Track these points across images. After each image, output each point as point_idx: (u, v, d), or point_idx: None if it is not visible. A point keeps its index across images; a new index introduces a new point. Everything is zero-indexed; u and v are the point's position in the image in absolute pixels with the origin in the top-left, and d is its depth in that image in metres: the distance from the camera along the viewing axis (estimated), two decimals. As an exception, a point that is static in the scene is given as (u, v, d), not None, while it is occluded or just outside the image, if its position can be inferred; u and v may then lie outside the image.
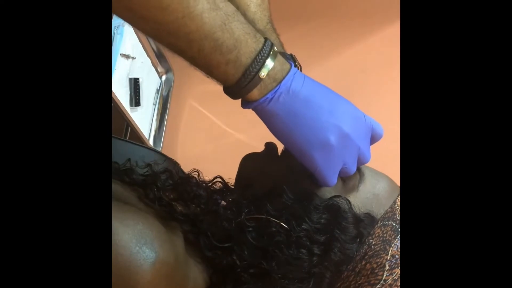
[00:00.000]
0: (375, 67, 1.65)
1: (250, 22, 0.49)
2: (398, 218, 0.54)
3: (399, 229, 0.53)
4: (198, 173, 0.64)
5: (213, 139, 1.64)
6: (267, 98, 0.49)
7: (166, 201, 0.54)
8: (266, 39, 0.49)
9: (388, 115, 1.39)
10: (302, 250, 0.51)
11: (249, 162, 0.61)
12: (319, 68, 1.69)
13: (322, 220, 0.52)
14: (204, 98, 1.66)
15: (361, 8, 1.74)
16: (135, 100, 1.43)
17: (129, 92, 1.43)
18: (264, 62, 0.48)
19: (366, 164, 0.59)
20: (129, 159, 0.61)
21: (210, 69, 0.48)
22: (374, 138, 0.55)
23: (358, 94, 1.65)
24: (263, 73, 0.48)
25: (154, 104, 1.61)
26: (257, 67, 0.47)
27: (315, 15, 1.77)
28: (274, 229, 0.51)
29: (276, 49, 0.49)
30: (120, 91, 1.36)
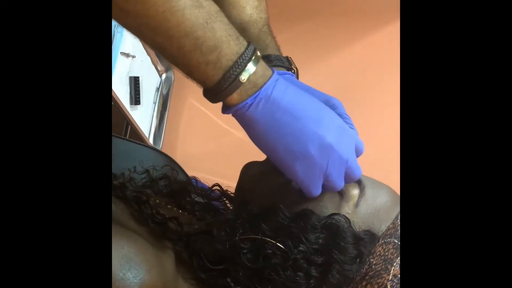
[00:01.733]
0: (375, 66, 1.65)
1: (240, 23, 0.49)
2: None
3: None
4: (196, 180, 0.63)
5: (213, 138, 1.64)
6: (246, 103, 0.47)
7: (160, 220, 0.52)
8: (249, 43, 0.48)
9: (388, 114, 1.40)
10: (299, 273, 0.48)
11: (249, 172, 0.58)
12: (319, 66, 1.69)
13: (320, 240, 0.50)
14: (204, 97, 1.66)
15: (361, 6, 1.74)
16: (135, 99, 1.43)
17: (129, 91, 1.43)
18: (246, 65, 0.46)
19: (367, 175, 0.57)
20: (123, 173, 0.59)
21: (189, 69, 0.47)
22: (356, 153, 0.53)
23: (358, 92, 1.65)
24: (244, 77, 0.46)
25: (154, 103, 1.61)
26: (237, 70, 0.46)
27: (315, 14, 1.77)
28: (270, 250, 0.49)
29: (259, 54, 0.48)
30: (120, 89, 1.36)
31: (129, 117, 1.38)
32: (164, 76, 1.68)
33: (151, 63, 1.61)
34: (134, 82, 1.43)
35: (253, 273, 0.49)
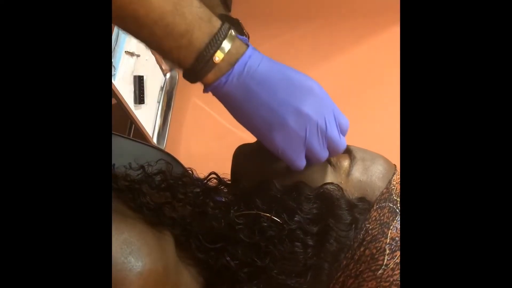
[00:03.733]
0: (376, 67, 1.65)
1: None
2: (395, 198, 0.52)
3: (397, 210, 0.51)
4: (192, 172, 0.63)
5: (216, 137, 1.65)
6: (221, 81, 0.48)
7: (153, 206, 0.52)
8: (223, 23, 0.48)
9: (389, 115, 1.39)
10: (296, 243, 0.49)
11: (241, 152, 0.58)
12: (322, 67, 1.69)
13: (314, 210, 0.51)
14: (208, 96, 1.65)
15: (364, 8, 1.74)
16: (139, 98, 1.43)
17: (133, 90, 1.43)
18: (219, 46, 0.47)
19: (360, 146, 0.58)
20: (113, 165, 0.59)
21: (163, 54, 0.47)
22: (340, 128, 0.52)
23: (359, 93, 1.65)
24: (218, 57, 0.47)
25: (158, 102, 1.61)
26: (211, 51, 0.46)
27: (316, 16, 1.77)
28: (265, 224, 0.50)
29: (233, 33, 0.48)
30: (124, 88, 1.36)
31: (133, 116, 1.38)
32: (168, 75, 1.68)
33: (156, 62, 1.61)
34: (139, 81, 1.43)
35: (250, 247, 0.49)
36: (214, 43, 0.46)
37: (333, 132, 0.50)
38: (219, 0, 0.65)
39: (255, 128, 0.49)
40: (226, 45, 0.47)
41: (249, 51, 0.49)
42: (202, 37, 0.46)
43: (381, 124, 1.57)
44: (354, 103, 1.63)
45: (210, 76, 0.48)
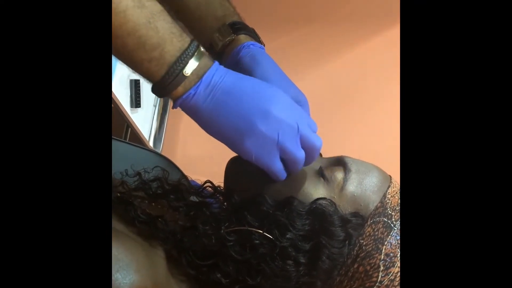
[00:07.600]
0: (375, 70, 1.65)
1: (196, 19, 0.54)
2: (390, 212, 0.52)
3: (392, 225, 0.51)
4: (187, 179, 0.63)
5: (213, 141, 1.64)
6: (190, 93, 0.49)
7: (144, 219, 0.52)
8: (192, 39, 0.50)
9: (389, 117, 1.40)
10: (288, 261, 0.49)
11: (233, 166, 0.58)
12: (321, 70, 1.69)
13: (306, 227, 0.50)
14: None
15: (362, 11, 1.75)
16: (136, 102, 1.43)
17: (129, 94, 1.43)
18: (189, 60, 0.48)
19: (354, 157, 0.57)
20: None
21: (134, 66, 0.49)
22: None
23: (358, 96, 1.66)
24: (188, 70, 0.48)
25: (154, 106, 1.61)
26: (181, 65, 0.48)
27: (316, 18, 1.77)
28: (257, 241, 0.49)
29: (202, 49, 0.50)
30: (120, 92, 1.36)
31: (130, 120, 1.38)
32: (164, 79, 1.68)
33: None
34: (135, 85, 1.43)
35: (241, 265, 0.49)
36: (185, 57, 0.48)
37: (305, 129, 0.51)
38: (234, 9, 0.65)
39: (226, 138, 0.50)
40: (196, 59, 0.49)
41: (215, 65, 0.50)
42: (174, 51, 0.48)
43: (380, 126, 1.57)
44: (353, 105, 1.63)
45: (180, 89, 0.49)
